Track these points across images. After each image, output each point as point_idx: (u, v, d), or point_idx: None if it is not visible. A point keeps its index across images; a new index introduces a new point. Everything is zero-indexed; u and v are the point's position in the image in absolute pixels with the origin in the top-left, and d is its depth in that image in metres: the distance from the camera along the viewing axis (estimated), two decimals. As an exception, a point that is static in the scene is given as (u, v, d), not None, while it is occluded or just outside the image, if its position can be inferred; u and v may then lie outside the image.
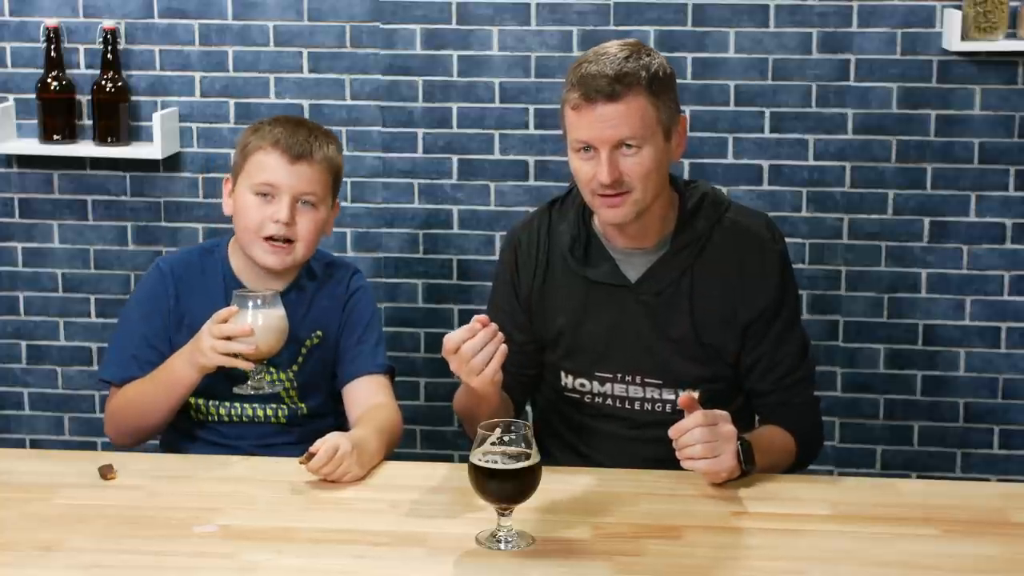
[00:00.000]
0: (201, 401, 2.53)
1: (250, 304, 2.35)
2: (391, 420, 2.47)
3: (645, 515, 2.14)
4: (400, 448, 2.46)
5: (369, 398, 2.52)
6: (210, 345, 2.34)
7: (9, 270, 3.49)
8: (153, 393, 2.48)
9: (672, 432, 2.18)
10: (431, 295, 3.44)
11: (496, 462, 1.99)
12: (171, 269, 2.59)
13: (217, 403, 2.54)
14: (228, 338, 2.33)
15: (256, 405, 2.54)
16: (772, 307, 2.41)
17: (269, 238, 2.48)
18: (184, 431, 2.58)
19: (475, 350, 2.16)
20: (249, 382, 2.40)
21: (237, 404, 2.54)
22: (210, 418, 2.55)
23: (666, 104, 2.32)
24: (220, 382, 2.47)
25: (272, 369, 2.53)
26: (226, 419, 2.55)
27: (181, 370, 2.42)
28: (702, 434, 2.16)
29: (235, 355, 2.34)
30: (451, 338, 2.17)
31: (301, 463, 2.22)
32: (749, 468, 2.22)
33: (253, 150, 2.50)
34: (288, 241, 2.49)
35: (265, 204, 2.48)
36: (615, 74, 2.26)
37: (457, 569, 1.97)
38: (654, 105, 2.29)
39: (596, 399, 2.48)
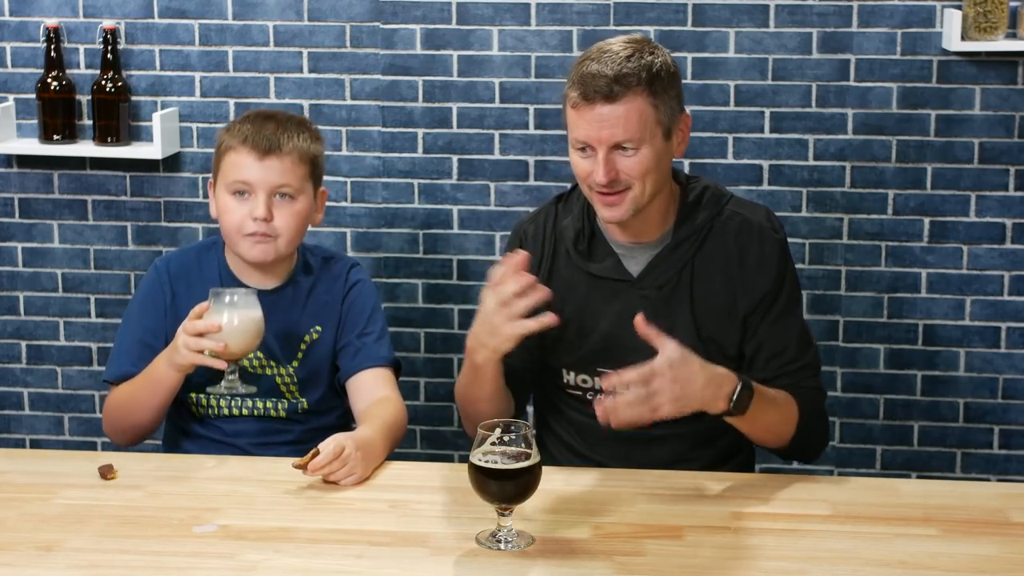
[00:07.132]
0: (202, 395, 2.54)
1: (226, 299, 2.33)
2: (396, 416, 2.47)
3: (645, 515, 2.14)
4: (400, 448, 2.46)
5: (374, 392, 2.52)
6: (183, 342, 2.33)
7: (9, 270, 3.49)
8: (140, 392, 2.48)
9: (604, 385, 2.14)
10: (431, 295, 3.44)
11: (496, 462, 1.99)
12: (167, 267, 2.60)
13: (217, 396, 2.54)
14: (201, 335, 2.32)
15: (256, 398, 2.54)
16: (771, 294, 2.40)
17: (251, 234, 2.49)
18: (184, 428, 2.59)
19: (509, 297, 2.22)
20: (222, 381, 2.36)
21: (237, 397, 2.54)
22: (210, 411, 2.55)
23: (667, 103, 2.32)
24: (218, 376, 2.47)
25: (272, 363, 2.53)
26: (226, 412, 2.55)
27: (162, 370, 2.42)
28: (633, 396, 2.12)
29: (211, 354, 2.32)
30: (498, 273, 2.23)
31: (296, 466, 2.20)
32: (735, 411, 2.19)
33: (225, 150, 2.51)
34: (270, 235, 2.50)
35: (243, 202, 2.49)
36: (615, 75, 2.27)
37: (457, 569, 1.97)
38: (653, 105, 2.30)
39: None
